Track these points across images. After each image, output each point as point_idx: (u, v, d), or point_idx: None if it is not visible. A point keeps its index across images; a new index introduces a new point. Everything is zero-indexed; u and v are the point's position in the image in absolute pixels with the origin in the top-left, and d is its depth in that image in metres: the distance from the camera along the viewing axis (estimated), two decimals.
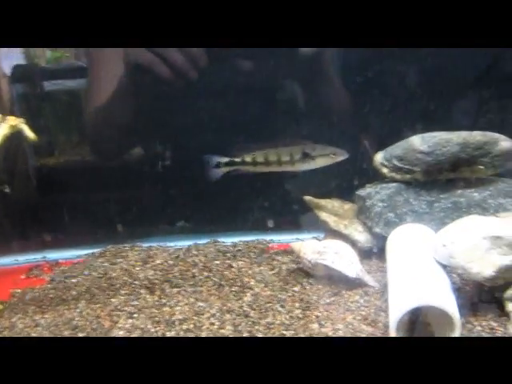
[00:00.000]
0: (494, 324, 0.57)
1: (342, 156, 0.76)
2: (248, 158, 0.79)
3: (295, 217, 0.88)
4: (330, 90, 1.00)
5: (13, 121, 0.77)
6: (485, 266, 0.55)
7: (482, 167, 0.70)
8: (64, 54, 2.06)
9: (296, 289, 0.70)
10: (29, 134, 0.80)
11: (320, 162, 0.77)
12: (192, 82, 0.82)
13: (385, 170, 0.75)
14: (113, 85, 0.96)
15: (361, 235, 0.74)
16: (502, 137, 0.71)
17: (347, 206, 0.81)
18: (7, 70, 1.93)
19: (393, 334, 0.53)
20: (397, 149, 0.74)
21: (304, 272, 0.73)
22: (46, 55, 1.97)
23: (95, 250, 0.91)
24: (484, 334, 0.56)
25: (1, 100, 1.91)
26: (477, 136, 0.70)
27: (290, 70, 0.96)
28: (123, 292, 0.73)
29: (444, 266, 0.60)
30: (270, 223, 0.92)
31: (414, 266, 0.60)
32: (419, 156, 0.71)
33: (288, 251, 0.78)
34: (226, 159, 0.81)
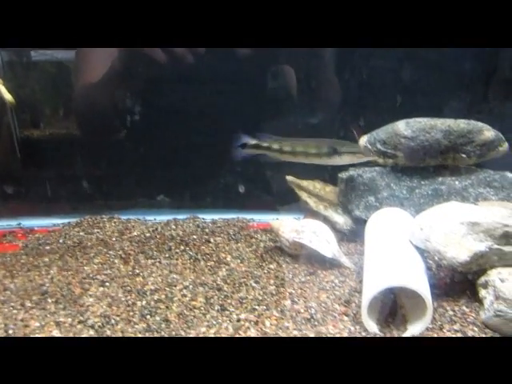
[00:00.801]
0: (466, 309, 0.58)
1: (369, 157, 0.74)
2: (275, 145, 0.77)
3: (278, 197, 0.88)
4: (322, 79, 1.00)
5: None
6: (460, 250, 0.55)
7: (464, 155, 0.70)
8: None
9: (272, 266, 0.69)
10: (6, 96, 0.78)
11: (346, 160, 0.74)
12: (187, 65, 0.82)
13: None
14: (104, 62, 0.95)
15: (340, 217, 0.74)
16: (486, 126, 0.71)
17: (329, 188, 0.81)
18: None
19: (364, 313, 0.53)
20: (381, 133, 0.74)
21: (282, 250, 0.73)
22: None
23: (72, 220, 0.89)
24: (455, 319, 0.56)
25: None
26: (461, 124, 0.70)
27: (285, 59, 0.96)
28: (97, 261, 0.72)
29: (420, 251, 0.60)
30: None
31: (390, 248, 0.60)
32: (403, 141, 0.70)
33: (267, 230, 0.78)
34: (253, 141, 0.80)
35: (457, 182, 0.71)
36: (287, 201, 0.84)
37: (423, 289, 0.52)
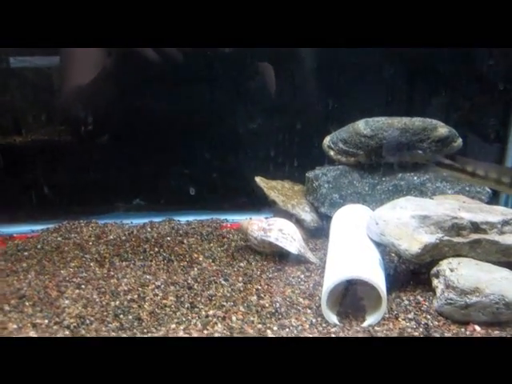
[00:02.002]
0: (421, 299, 0.61)
1: None
2: (469, 168, 0.76)
3: (250, 197, 0.91)
4: (302, 81, 1.02)
5: None
6: (412, 243, 0.59)
7: (420, 152, 0.73)
8: None
9: (242, 264, 0.72)
10: None
11: None
12: (175, 65, 0.84)
13: (331, 153, 0.78)
14: (94, 63, 0.96)
15: (307, 215, 0.77)
16: (440, 123, 0.75)
17: (297, 187, 0.84)
18: None
19: (324, 306, 0.56)
20: (343, 132, 0.77)
21: (251, 249, 0.76)
22: None
23: (50, 226, 0.91)
24: (410, 308, 0.60)
25: None
26: (416, 121, 0.74)
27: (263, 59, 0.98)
28: (73, 265, 0.74)
29: (378, 244, 0.63)
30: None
31: (348, 243, 0.63)
32: (363, 140, 0.74)
33: (239, 230, 0.81)
34: (447, 161, 0.80)
35: (415, 178, 0.75)
36: (261, 201, 0.87)
37: (377, 280, 0.56)
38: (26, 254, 0.80)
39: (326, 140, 0.78)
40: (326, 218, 0.78)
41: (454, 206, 0.63)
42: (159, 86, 1.00)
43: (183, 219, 0.91)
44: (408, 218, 0.60)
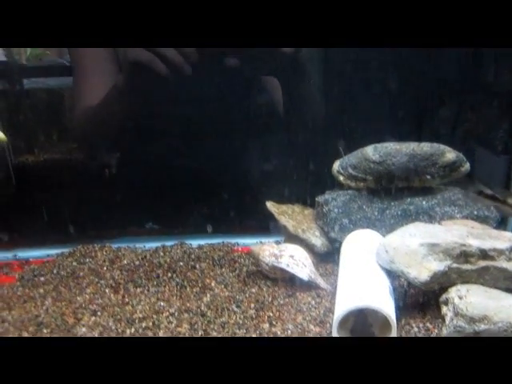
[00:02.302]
0: (430, 326, 0.62)
1: None
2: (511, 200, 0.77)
3: (261, 221, 0.92)
4: (305, 93, 1.01)
5: None
6: (421, 271, 0.60)
7: (429, 177, 0.74)
8: (45, 52, 2.08)
9: (253, 290, 0.74)
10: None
11: None
12: (186, 79, 0.84)
13: (341, 178, 0.79)
14: (104, 81, 0.97)
15: (317, 240, 0.79)
16: (448, 148, 0.76)
17: (307, 211, 0.85)
18: None
19: (334, 334, 0.57)
20: (352, 158, 0.78)
21: (262, 274, 0.77)
22: (26, 52, 1.99)
23: (65, 250, 0.93)
24: (420, 335, 0.60)
25: None
26: (424, 147, 0.75)
27: (269, 71, 0.97)
28: (89, 291, 0.76)
29: (387, 270, 0.64)
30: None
31: (358, 271, 0.65)
32: (371, 165, 0.75)
33: (250, 254, 0.82)
34: (489, 191, 0.81)
35: (424, 202, 0.75)
36: (271, 223, 0.88)
37: (387, 309, 0.57)
38: (42, 279, 0.82)
39: (336, 165, 0.79)
40: (335, 243, 0.79)
41: (462, 232, 0.63)
42: (169, 104, 1.01)
43: (195, 243, 0.93)
44: (417, 246, 0.61)
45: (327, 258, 0.80)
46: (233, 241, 0.93)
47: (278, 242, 0.89)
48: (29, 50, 1.98)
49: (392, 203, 0.77)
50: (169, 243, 0.93)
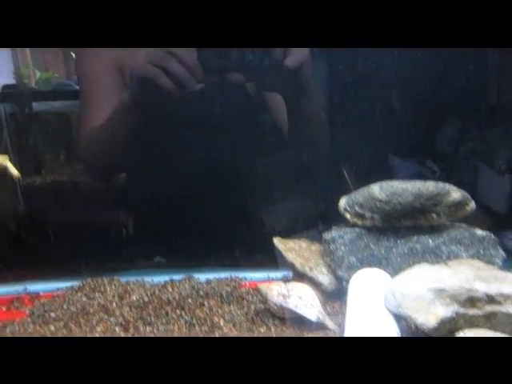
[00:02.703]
0: None
1: None
2: None
3: (268, 255, 0.93)
4: (311, 110, 1.00)
5: None
6: (429, 317, 0.61)
7: (435, 216, 0.75)
8: (54, 75, 2.11)
9: (262, 330, 0.74)
10: (13, 171, 0.84)
11: None
12: (191, 94, 0.85)
13: (348, 216, 0.80)
14: (110, 100, 0.97)
15: (325, 277, 0.79)
16: (453, 188, 0.77)
17: (314, 247, 0.86)
18: None
19: None
20: (358, 196, 0.79)
21: (270, 312, 0.78)
22: (35, 75, 2.02)
23: (75, 284, 0.94)
24: None
25: None
26: (429, 187, 0.76)
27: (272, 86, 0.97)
28: (99, 329, 0.77)
29: (394, 313, 0.65)
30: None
31: (366, 313, 0.65)
32: (378, 204, 0.76)
33: (258, 292, 0.83)
34: None
35: (430, 241, 0.76)
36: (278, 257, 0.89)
37: None
38: (52, 315, 0.83)
39: (342, 202, 0.80)
40: (343, 281, 0.80)
41: (468, 276, 0.64)
42: (173, 123, 1.02)
43: (202, 277, 0.94)
44: (424, 291, 0.62)
45: (334, 295, 0.80)
46: (240, 275, 0.94)
47: (285, 278, 0.90)
48: (38, 73, 2.01)
49: (398, 241, 0.77)
50: (177, 277, 0.94)
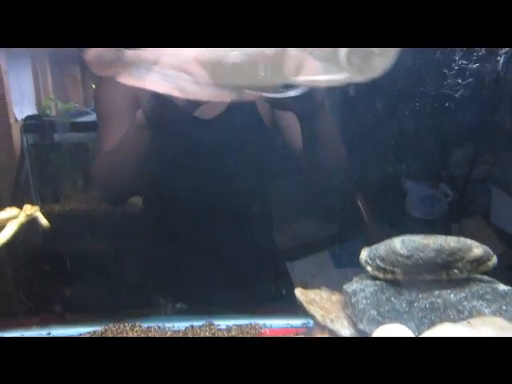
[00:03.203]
0: None
1: None
2: None
3: (288, 301, 0.94)
4: (323, 133, 0.98)
5: (29, 209, 0.83)
6: None
7: (456, 271, 0.76)
8: (74, 105, 2.16)
9: None
10: (43, 221, 0.86)
11: None
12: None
13: (369, 268, 0.81)
14: (125, 124, 0.98)
15: (346, 330, 0.80)
16: (475, 243, 0.77)
17: (335, 297, 0.87)
18: (18, 116, 2.03)
19: None
20: (379, 249, 0.80)
21: None
22: (57, 106, 2.07)
23: (97, 329, 0.96)
24: None
25: (12, 147, 2.00)
26: (451, 242, 0.76)
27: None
28: None
29: None
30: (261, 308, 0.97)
31: None
32: (399, 259, 0.76)
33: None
34: None
35: (452, 296, 0.76)
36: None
37: None
38: None
39: (364, 255, 0.81)
40: (364, 334, 0.80)
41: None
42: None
43: (223, 323, 0.95)
44: None
45: None
46: (260, 322, 0.95)
47: (305, 326, 0.90)
48: (60, 104, 2.05)
49: (420, 295, 0.78)
50: (197, 323, 0.95)
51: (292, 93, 0.72)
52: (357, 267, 0.86)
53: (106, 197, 1.16)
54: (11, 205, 0.81)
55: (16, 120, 2.07)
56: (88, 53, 0.71)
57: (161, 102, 0.84)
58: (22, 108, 2.17)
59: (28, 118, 1.94)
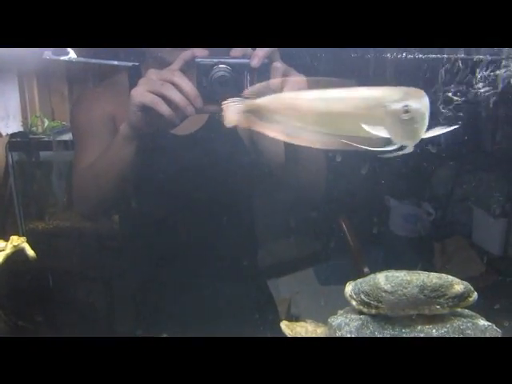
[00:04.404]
0: None
1: None
2: None
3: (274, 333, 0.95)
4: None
5: (15, 241, 0.83)
6: None
7: (438, 307, 0.78)
8: (62, 123, 2.16)
9: None
10: (30, 252, 0.86)
11: None
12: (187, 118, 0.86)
13: (354, 303, 0.83)
14: (101, 140, 1.00)
15: None
16: (456, 280, 0.80)
17: (320, 329, 0.88)
18: (3, 131, 2.02)
19: None
20: (364, 284, 0.82)
21: None
22: (44, 124, 2.07)
23: None
24: None
25: None
26: (433, 279, 0.78)
27: None
28: None
29: None
30: None
31: None
32: (383, 294, 0.78)
33: None
34: None
35: (434, 331, 0.79)
36: None
37: None
38: None
39: (348, 289, 0.83)
40: None
41: None
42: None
43: None
44: None
45: None
46: None
47: None
48: (46, 121, 2.05)
49: (403, 330, 0.80)
50: None
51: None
52: (340, 284, 0.88)
53: (83, 211, 1.15)
54: None
55: (1, 136, 2.06)
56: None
57: (146, 114, 0.86)
58: (8, 123, 2.17)
59: (14, 135, 1.94)
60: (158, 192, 1.07)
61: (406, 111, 0.65)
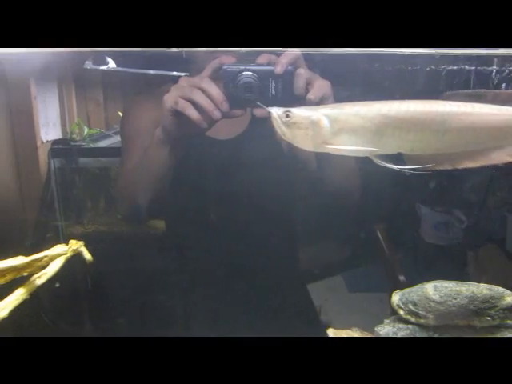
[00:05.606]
0: None
1: None
2: None
3: None
4: None
5: (74, 245, 0.86)
6: None
7: (489, 318, 0.78)
8: (99, 130, 2.22)
9: None
10: (87, 256, 0.89)
11: None
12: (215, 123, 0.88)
13: (401, 312, 0.83)
14: (145, 142, 1.00)
15: None
16: (507, 291, 0.79)
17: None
18: (44, 138, 2.09)
19: None
20: (412, 294, 0.83)
21: None
22: (83, 131, 2.12)
23: None
24: None
25: (38, 171, 2.05)
26: (483, 290, 0.78)
27: None
28: None
29: None
30: None
31: None
32: (432, 304, 0.79)
33: None
34: None
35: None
36: None
37: None
38: None
39: (396, 299, 0.83)
40: None
41: None
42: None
43: None
44: None
45: None
46: None
47: None
48: (86, 129, 2.11)
49: None
50: None
51: None
52: (370, 292, 0.88)
53: (126, 215, 1.18)
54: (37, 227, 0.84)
55: (42, 142, 2.13)
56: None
57: (177, 118, 0.88)
58: (47, 130, 2.23)
59: (56, 142, 2.00)
60: (195, 195, 1.09)
61: None
